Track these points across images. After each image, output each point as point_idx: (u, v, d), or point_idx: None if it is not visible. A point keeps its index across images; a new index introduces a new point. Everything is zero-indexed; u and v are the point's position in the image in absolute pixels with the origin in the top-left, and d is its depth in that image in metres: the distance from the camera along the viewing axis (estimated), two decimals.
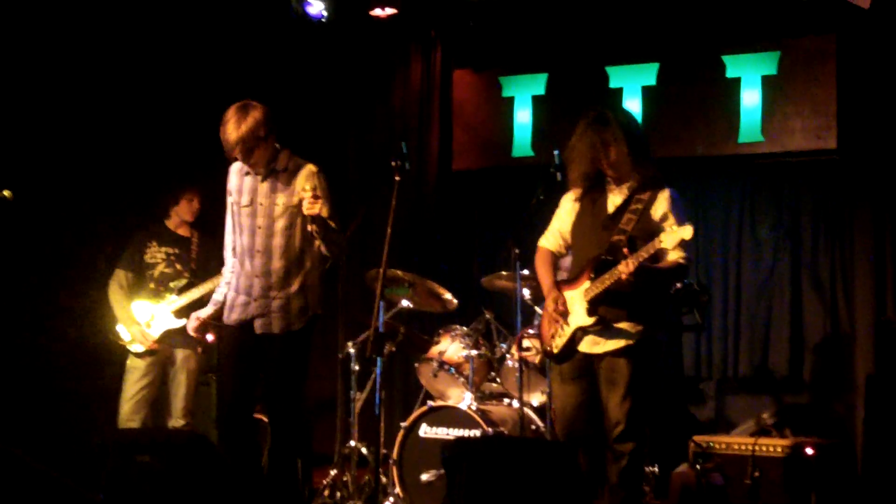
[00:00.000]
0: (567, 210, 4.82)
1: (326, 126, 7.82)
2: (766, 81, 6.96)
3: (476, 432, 5.74)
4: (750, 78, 7.00)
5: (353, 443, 5.95)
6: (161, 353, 6.08)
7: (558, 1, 7.34)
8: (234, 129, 4.76)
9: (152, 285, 6.11)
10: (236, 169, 5.01)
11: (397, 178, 4.97)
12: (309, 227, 4.80)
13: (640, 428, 4.53)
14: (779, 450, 5.65)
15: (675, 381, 6.92)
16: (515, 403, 5.92)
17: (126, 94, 6.81)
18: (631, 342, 4.51)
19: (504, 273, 6.21)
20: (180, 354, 6.11)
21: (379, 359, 5.01)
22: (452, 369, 6.11)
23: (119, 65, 6.76)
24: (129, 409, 5.99)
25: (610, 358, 4.54)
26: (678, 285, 6.17)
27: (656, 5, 7.13)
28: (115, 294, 6.11)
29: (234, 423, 4.93)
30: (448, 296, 6.28)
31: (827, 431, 6.25)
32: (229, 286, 5.01)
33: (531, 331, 5.90)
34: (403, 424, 5.95)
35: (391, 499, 5.81)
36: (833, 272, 6.89)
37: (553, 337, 4.68)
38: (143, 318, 6.06)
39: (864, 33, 6.62)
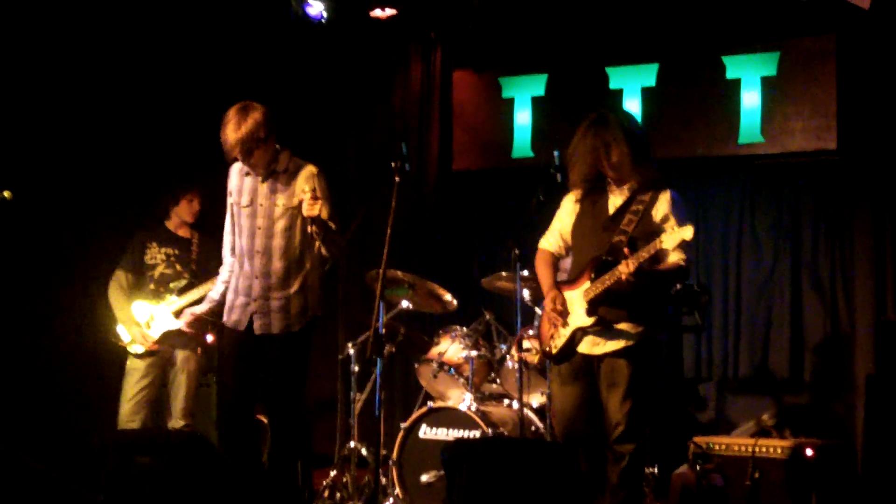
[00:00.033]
0: (568, 211, 4.82)
1: (326, 126, 7.83)
2: (766, 82, 6.96)
3: (476, 433, 5.74)
4: (750, 78, 7.00)
5: (353, 444, 5.95)
6: (161, 354, 6.08)
7: (558, 2, 7.34)
8: (234, 130, 4.77)
9: (152, 286, 6.11)
10: (237, 169, 5.02)
11: (397, 179, 4.97)
12: (309, 229, 4.81)
13: (641, 429, 4.53)
14: (779, 451, 5.65)
15: (674, 381, 6.92)
16: (515, 404, 5.92)
17: (126, 94, 6.81)
18: (631, 343, 4.51)
19: (504, 274, 6.21)
20: (180, 355, 6.11)
21: (379, 360, 5.01)
22: (452, 370, 6.11)
23: (119, 65, 6.76)
24: (129, 410, 5.99)
25: (610, 359, 4.54)
26: (678, 286, 6.17)
27: (656, 6, 7.13)
28: (115, 295, 6.10)
29: (235, 423, 4.93)
30: (448, 297, 6.28)
31: (827, 432, 6.24)
32: (229, 288, 5.01)
33: (531, 331, 5.90)
34: (403, 425, 5.96)
35: (391, 500, 5.81)
36: (833, 273, 6.88)
37: (552, 337, 4.68)
38: (143, 318, 6.06)
39: (864, 33, 6.61)
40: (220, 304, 5.13)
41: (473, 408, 5.84)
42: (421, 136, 7.85)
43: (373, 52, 7.88)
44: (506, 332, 6.31)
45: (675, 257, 4.50)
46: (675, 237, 4.29)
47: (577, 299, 4.60)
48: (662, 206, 4.57)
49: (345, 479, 5.88)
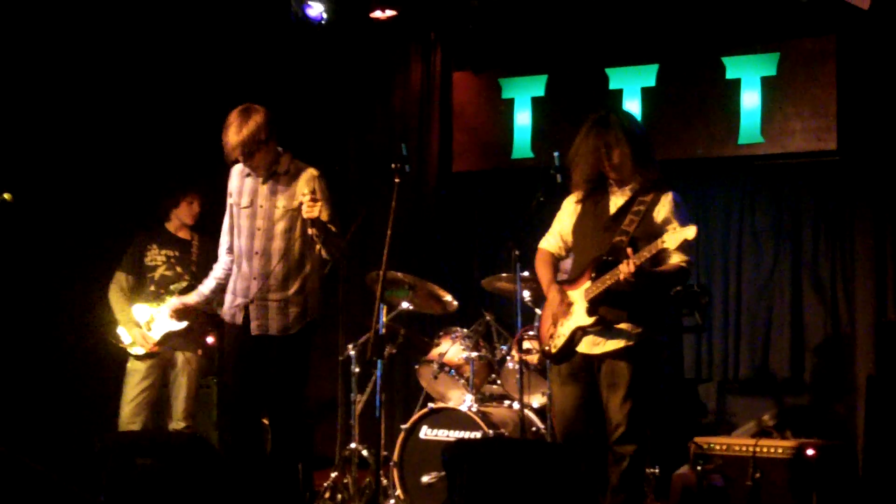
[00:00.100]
0: (569, 212, 4.81)
1: (326, 127, 7.83)
2: (766, 82, 6.96)
3: (476, 434, 5.73)
4: (750, 79, 7.00)
5: (353, 445, 5.95)
6: (162, 356, 6.08)
7: (558, 3, 7.35)
8: (235, 132, 4.77)
9: (153, 288, 6.11)
10: (238, 170, 5.02)
11: (397, 180, 4.97)
12: (309, 231, 4.81)
13: (642, 430, 4.53)
14: (780, 451, 5.65)
15: (675, 382, 6.92)
16: (516, 405, 5.92)
17: (127, 96, 6.81)
18: (631, 343, 4.50)
19: (504, 275, 6.21)
20: (181, 357, 6.10)
21: (379, 361, 5.02)
22: (453, 371, 6.11)
23: (120, 67, 6.76)
24: (130, 412, 5.98)
25: (610, 360, 4.53)
26: (679, 287, 6.17)
27: (656, 7, 7.13)
28: (116, 297, 6.10)
29: (237, 423, 4.93)
30: (448, 298, 6.28)
31: (828, 433, 6.24)
32: (227, 289, 5.01)
33: (531, 332, 5.90)
34: (404, 426, 5.96)
35: (392, 501, 5.81)
36: (833, 273, 6.88)
37: (552, 337, 4.68)
38: (143, 320, 6.06)
39: (864, 34, 6.61)
40: (209, 298, 5.20)
41: (474, 409, 5.84)
42: (421, 136, 7.85)
43: (373, 53, 7.89)
44: (506, 333, 6.31)
45: (676, 258, 4.50)
46: (677, 237, 4.29)
47: (577, 299, 4.60)
48: (664, 207, 4.57)
49: (346, 481, 5.88)
